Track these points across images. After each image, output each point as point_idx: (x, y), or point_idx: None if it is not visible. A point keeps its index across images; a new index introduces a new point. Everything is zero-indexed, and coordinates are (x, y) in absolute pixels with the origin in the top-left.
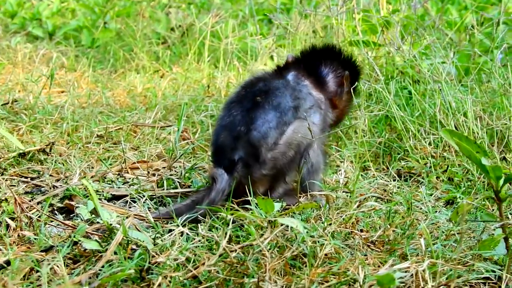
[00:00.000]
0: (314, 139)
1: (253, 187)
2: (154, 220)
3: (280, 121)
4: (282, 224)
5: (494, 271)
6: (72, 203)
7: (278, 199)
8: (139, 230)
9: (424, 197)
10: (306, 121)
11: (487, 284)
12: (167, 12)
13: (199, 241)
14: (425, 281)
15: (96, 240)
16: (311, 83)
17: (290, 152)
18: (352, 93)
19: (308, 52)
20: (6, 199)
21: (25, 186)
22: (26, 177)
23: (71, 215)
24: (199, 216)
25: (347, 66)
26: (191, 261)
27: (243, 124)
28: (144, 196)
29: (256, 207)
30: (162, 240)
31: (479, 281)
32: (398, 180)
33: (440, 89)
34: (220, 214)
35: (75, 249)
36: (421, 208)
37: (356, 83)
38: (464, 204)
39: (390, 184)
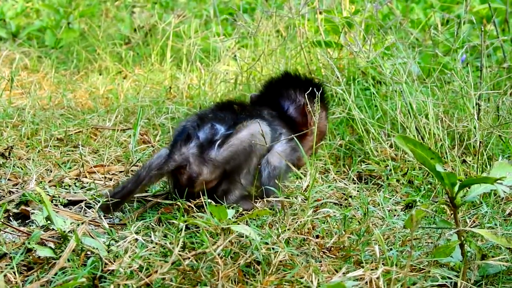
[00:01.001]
0: (267, 145)
1: (199, 169)
2: (109, 226)
3: (245, 122)
4: (236, 231)
5: (450, 278)
6: (28, 209)
7: (234, 204)
8: (93, 237)
9: (382, 202)
10: (264, 125)
11: None
12: (131, 12)
13: (153, 248)
14: None
15: (50, 247)
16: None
17: (243, 152)
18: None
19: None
20: None
21: None
22: None
23: (26, 221)
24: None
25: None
26: (144, 269)
27: (213, 116)
28: (99, 201)
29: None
30: (116, 247)
31: None
32: (358, 183)
33: (401, 91)
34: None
35: (29, 256)
36: (378, 213)
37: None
38: (418, 211)
39: (349, 187)
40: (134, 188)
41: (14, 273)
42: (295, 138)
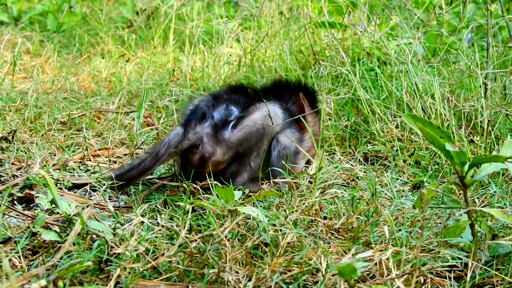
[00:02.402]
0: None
1: (212, 149)
2: (114, 209)
3: (258, 103)
4: (243, 213)
5: (460, 259)
6: (32, 192)
7: (241, 186)
8: (98, 220)
9: (390, 183)
10: (278, 107)
11: (452, 272)
12: None
13: (159, 231)
14: (389, 269)
15: (55, 231)
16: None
17: (256, 134)
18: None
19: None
20: None
21: None
22: None
23: (31, 205)
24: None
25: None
26: (151, 252)
27: (228, 97)
28: (104, 184)
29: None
30: (122, 230)
31: (444, 269)
32: (364, 164)
33: (407, 71)
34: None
35: (34, 240)
36: (386, 194)
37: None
38: (428, 190)
39: (356, 168)
40: (152, 165)
41: (19, 257)
42: (305, 123)
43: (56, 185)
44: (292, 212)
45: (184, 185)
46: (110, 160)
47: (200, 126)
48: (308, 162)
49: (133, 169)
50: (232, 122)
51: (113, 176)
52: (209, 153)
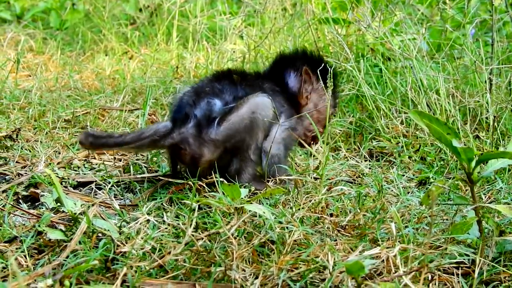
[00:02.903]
0: (278, 123)
1: (200, 151)
2: (120, 207)
3: (243, 96)
4: (249, 211)
5: (467, 255)
6: (38, 191)
7: (247, 183)
8: (104, 219)
9: (396, 179)
10: (266, 98)
11: (460, 269)
12: None
13: (165, 229)
14: (396, 266)
15: (61, 230)
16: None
17: (244, 129)
18: (324, 89)
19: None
20: None
21: None
22: None
23: (36, 204)
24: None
25: (306, 62)
26: (157, 250)
27: (210, 89)
28: (110, 182)
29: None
30: (128, 229)
31: (452, 265)
32: (369, 161)
33: (411, 67)
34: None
35: (40, 239)
36: (392, 190)
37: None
38: (435, 187)
39: (361, 165)
40: (130, 141)
41: (25, 256)
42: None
43: (61, 184)
44: (299, 209)
45: (190, 182)
46: (115, 158)
47: (184, 127)
48: (314, 139)
49: (111, 138)
50: (217, 119)
51: (89, 133)
52: (198, 155)
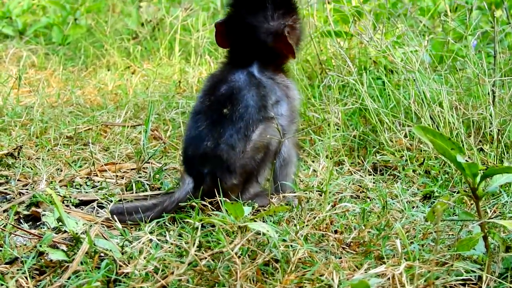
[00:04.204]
0: (283, 139)
1: (224, 195)
2: (122, 227)
3: (246, 129)
4: (253, 229)
5: (474, 271)
6: (39, 210)
7: (249, 201)
8: (106, 238)
9: (400, 193)
10: (273, 121)
11: (467, 285)
12: (138, 6)
13: (168, 248)
14: (402, 284)
15: (62, 250)
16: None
17: (259, 155)
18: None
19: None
20: None
21: None
22: None
23: (37, 223)
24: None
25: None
26: (160, 270)
27: (211, 138)
28: (112, 201)
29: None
30: (130, 248)
31: (458, 282)
32: (373, 175)
33: (414, 79)
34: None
35: (41, 259)
36: (397, 206)
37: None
38: (440, 203)
39: (366, 179)
40: (155, 217)
41: (26, 277)
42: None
43: (63, 202)
44: (303, 227)
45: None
46: (117, 175)
47: (208, 179)
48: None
49: (137, 213)
50: (237, 155)
51: (116, 211)
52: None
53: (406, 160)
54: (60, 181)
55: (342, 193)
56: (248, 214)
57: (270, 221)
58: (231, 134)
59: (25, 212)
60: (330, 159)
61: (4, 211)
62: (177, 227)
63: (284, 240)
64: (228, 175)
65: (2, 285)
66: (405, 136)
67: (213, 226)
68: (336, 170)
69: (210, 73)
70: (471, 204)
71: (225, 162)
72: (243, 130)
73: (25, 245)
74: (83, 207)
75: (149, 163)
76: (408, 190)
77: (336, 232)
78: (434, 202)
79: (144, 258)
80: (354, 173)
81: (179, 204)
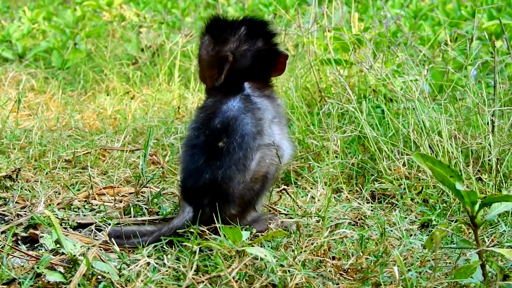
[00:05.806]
0: (282, 164)
1: (224, 223)
2: (120, 250)
3: (245, 159)
4: (251, 254)
5: None
6: (37, 232)
7: (247, 225)
8: (103, 261)
9: (398, 221)
10: (271, 147)
11: None
12: (138, 32)
13: (166, 271)
14: None
15: (60, 272)
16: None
17: (257, 185)
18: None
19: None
20: None
21: None
22: None
23: (35, 245)
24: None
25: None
26: None
27: (209, 171)
28: (109, 224)
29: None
30: (128, 271)
31: None
32: (371, 203)
33: (413, 108)
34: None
35: (39, 281)
36: (395, 233)
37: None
38: (439, 231)
39: (364, 207)
40: (152, 241)
41: None
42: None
43: (61, 225)
44: (301, 252)
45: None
46: (115, 199)
47: (208, 209)
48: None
49: (135, 237)
50: (236, 186)
51: (114, 234)
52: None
53: (405, 189)
54: (58, 203)
55: (340, 219)
56: (246, 239)
57: (268, 246)
58: (229, 165)
59: (23, 234)
60: (329, 186)
61: (2, 232)
62: (175, 250)
63: (281, 265)
64: (227, 206)
65: None
66: (404, 164)
67: (211, 250)
68: (334, 197)
69: (200, 103)
70: (469, 232)
71: (224, 193)
72: (242, 160)
73: (23, 266)
74: (81, 229)
75: (147, 187)
76: (406, 218)
77: (334, 258)
78: (432, 230)
79: (142, 281)
80: (352, 200)
81: (177, 231)
